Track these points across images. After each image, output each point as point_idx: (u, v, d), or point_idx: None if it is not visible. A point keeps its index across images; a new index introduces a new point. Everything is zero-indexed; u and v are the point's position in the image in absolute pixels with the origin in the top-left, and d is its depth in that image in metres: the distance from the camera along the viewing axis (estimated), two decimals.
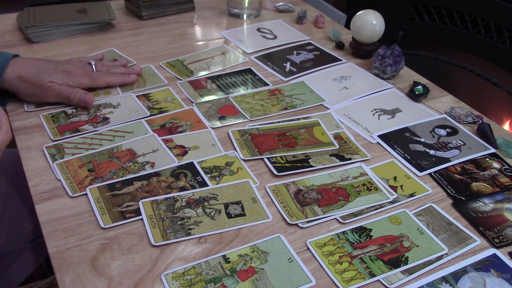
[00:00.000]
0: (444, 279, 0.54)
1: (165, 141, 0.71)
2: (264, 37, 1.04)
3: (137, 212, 0.59)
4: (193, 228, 0.57)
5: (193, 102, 0.81)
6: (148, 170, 0.66)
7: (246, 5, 1.11)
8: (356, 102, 0.84)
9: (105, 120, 0.74)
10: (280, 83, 0.88)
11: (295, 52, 0.99)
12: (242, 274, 0.52)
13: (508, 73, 1.25)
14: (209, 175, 0.66)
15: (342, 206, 0.62)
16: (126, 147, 0.69)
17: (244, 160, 0.69)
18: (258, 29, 1.08)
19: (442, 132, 0.77)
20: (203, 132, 0.74)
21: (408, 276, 0.54)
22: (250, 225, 0.59)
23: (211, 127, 0.75)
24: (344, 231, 0.59)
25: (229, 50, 0.98)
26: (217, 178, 0.65)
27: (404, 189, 0.66)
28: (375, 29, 0.93)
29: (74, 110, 0.76)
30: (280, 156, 0.70)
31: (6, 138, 0.60)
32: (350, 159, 0.70)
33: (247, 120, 0.77)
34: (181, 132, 0.73)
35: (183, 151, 0.70)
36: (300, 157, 0.70)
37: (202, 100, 0.81)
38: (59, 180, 0.63)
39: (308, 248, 0.56)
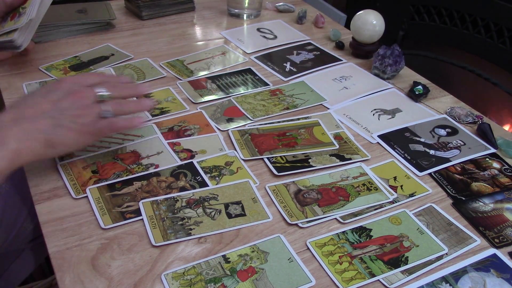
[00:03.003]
0: (444, 279, 0.54)
1: (172, 144, 0.71)
2: (264, 37, 1.04)
3: (137, 212, 0.59)
4: (194, 228, 0.57)
5: (193, 102, 0.81)
6: None
7: (246, 5, 1.11)
8: (356, 102, 0.84)
9: None
10: (280, 83, 0.88)
11: (295, 52, 0.99)
12: (242, 274, 0.52)
13: (508, 73, 1.25)
14: (209, 175, 0.66)
15: (342, 206, 0.62)
16: (131, 149, 0.69)
17: (244, 160, 0.69)
18: (258, 29, 1.08)
19: (442, 132, 0.77)
20: (211, 136, 0.73)
21: (408, 276, 0.54)
22: (250, 225, 0.59)
23: (222, 130, 0.74)
24: (344, 231, 0.59)
25: (229, 50, 0.98)
26: (217, 178, 0.65)
27: (404, 189, 0.66)
28: (375, 29, 0.93)
29: None
30: (280, 156, 0.70)
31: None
32: (350, 159, 0.70)
33: (251, 121, 0.77)
34: (189, 135, 0.73)
35: (190, 155, 0.69)
36: (300, 157, 0.70)
37: (202, 100, 0.81)
38: (63, 180, 0.63)
39: (308, 248, 0.56)
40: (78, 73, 0.63)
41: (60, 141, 0.57)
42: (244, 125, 0.76)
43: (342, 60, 0.96)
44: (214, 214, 0.60)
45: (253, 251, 0.55)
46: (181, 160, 0.68)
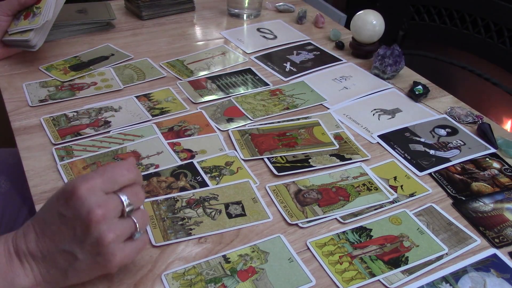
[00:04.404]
0: (444, 279, 0.54)
1: (173, 144, 0.71)
2: (264, 37, 1.04)
3: None
4: (194, 229, 0.57)
5: (193, 102, 0.81)
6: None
7: (246, 5, 1.11)
8: (356, 102, 0.84)
9: (107, 123, 0.74)
10: (280, 83, 0.88)
11: (295, 52, 0.99)
12: (242, 274, 0.52)
13: (508, 73, 1.25)
14: (209, 175, 0.66)
15: (342, 206, 0.62)
16: (131, 149, 0.69)
17: (244, 160, 0.69)
18: (258, 29, 1.08)
19: (442, 132, 0.77)
20: (211, 136, 0.73)
21: (408, 276, 0.54)
22: (250, 225, 0.59)
23: (222, 130, 0.74)
24: (344, 231, 0.59)
25: (229, 50, 0.98)
26: (217, 178, 0.65)
27: (404, 189, 0.66)
28: (375, 29, 0.93)
29: (75, 113, 0.76)
30: (280, 156, 0.70)
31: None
32: (350, 159, 0.70)
33: (251, 121, 0.77)
34: (189, 135, 0.73)
35: (190, 155, 0.69)
36: (300, 157, 0.70)
37: (202, 100, 0.81)
38: (63, 180, 0.63)
39: (308, 248, 0.56)
40: (95, 169, 0.50)
41: (84, 276, 0.48)
42: (244, 125, 0.76)
43: (342, 60, 0.96)
44: (214, 214, 0.60)
45: (253, 251, 0.55)
46: (181, 160, 0.68)
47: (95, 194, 0.44)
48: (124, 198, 0.46)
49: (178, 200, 0.61)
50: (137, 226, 0.47)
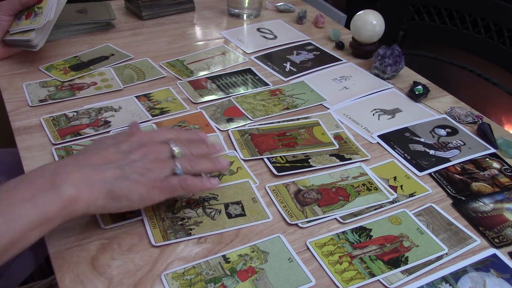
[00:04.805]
0: (444, 279, 0.54)
1: None
2: (264, 37, 1.04)
3: (137, 212, 0.59)
4: (194, 229, 0.57)
5: (193, 102, 0.81)
6: None
7: (246, 5, 1.11)
8: (356, 102, 0.84)
9: (107, 123, 0.74)
10: (280, 83, 0.88)
11: (295, 52, 0.99)
12: (242, 274, 0.52)
13: (508, 73, 1.25)
14: (209, 175, 0.65)
15: (342, 206, 0.62)
16: None
17: (244, 160, 0.69)
18: (258, 29, 1.08)
19: (442, 132, 0.77)
20: (211, 136, 0.73)
21: (408, 276, 0.54)
22: (250, 225, 0.59)
23: (222, 130, 0.74)
24: (344, 231, 0.59)
25: (229, 50, 0.98)
26: (217, 178, 0.65)
27: (404, 189, 0.66)
28: (375, 29, 0.93)
29: (75, 113, 0.76)
30: (280, 156, 0.70)
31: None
32: (350, 159, 0.70)
33: (251, 121, 0.77)
34: None
35: None
36: (300, 157, 0.70)
37: (202, 100, 0.81)
38: None
39: (308, 248, 0.56)
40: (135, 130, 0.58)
41: (124, 194, 0.52)
42: (244, 125, 0.76)
43: (342, 60, 0.97)
44: (214, 214, 0.60)
45: (253, 251, 0.55)
46: None
47: (148, 138, 0.56)
48: (172, 145, 0.56)
49: (177, 200, 0.61)
50: (177, 163, 0.55)
